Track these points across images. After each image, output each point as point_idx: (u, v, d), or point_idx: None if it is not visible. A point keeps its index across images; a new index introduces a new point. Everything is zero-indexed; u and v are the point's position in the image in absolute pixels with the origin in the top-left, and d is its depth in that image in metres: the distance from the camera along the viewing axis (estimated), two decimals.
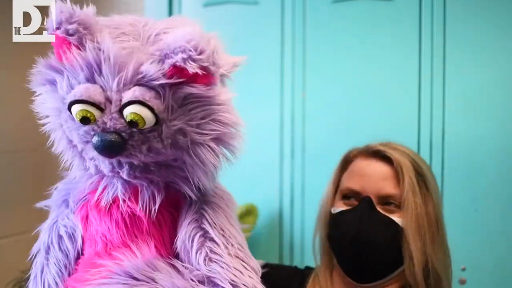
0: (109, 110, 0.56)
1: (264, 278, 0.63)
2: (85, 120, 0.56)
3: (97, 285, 0.58)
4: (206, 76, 0.56)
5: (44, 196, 0.71)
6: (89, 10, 0.58)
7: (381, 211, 0.83)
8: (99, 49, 0.56)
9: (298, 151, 1.41)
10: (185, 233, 0.62)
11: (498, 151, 1.23)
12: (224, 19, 1.49)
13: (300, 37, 1.40)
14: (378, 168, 0.85)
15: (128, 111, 0.55)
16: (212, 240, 0.61)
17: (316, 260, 0.94)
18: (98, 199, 0.63)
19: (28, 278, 0.70)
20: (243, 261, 0.61)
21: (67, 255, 0.66)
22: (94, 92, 0.56)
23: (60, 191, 0.70)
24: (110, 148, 0.56)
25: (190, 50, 0.54)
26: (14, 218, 1.58)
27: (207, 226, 0.62)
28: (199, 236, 0.61)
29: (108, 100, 0.56)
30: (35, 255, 0.69)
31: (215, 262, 0.60)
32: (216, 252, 0.60)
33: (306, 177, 1.40)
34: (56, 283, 0.66)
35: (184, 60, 0.54)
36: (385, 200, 0.84)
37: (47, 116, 0.64)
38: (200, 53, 0.54)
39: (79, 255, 0.67)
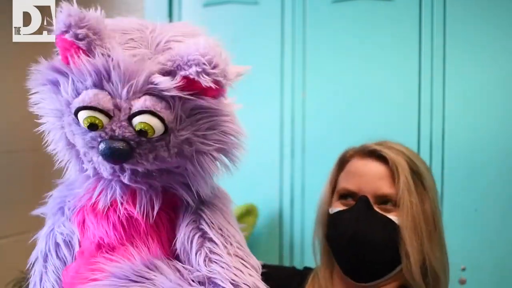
0: (118, 117, 0.56)
1: (263, 279, 0.63)
2: (92, 127, 0.56)
3: (95, 286, 0.58)
4: (216, 89, 0.56)
5: (44, 196, 0.71)
6: (99, 15, 0.57)
7: (378, 210, 0.83)
8: (108, 56, 0.55)
9: (298, 151, 1.41)
10: (184, 234, 0.62)
11: (498, 151, 1.23)
12: (224, 19, 1.49)
13: (300, 37, 1.40)
14: (374, 167, 0.86)
15: (138, 120, 0.55)
16: (211, 240, 0.61)
17: (316, 260, 0.94)
18: (94, 202, 0.63)
19: (28, 278, 0.69)
20: (242, 259, 0.61)
21: (65, 263, 0.66)
22: (103, 98, 0.55)
23: (55, 198, 0.69)
24: (118, 155, 0.56)
25: (204, 64, 0.53)
26: (14, 218, 1.57)
27: (205, 227, 0.62)
28: (198, 237, 0.61)
29: (117, 107, 0.56)
30: (33, 264, 0.68)
31: (215, 262, 0.59)
32: (215, 252, 0.60)
33: (306, 177, 1.40)
34: None
35: (198, 73, 0.54)
36: (382, 199, 0.84)
37: (44, 116, 0.64)
38: (214, 67, 0.54)
39: None
